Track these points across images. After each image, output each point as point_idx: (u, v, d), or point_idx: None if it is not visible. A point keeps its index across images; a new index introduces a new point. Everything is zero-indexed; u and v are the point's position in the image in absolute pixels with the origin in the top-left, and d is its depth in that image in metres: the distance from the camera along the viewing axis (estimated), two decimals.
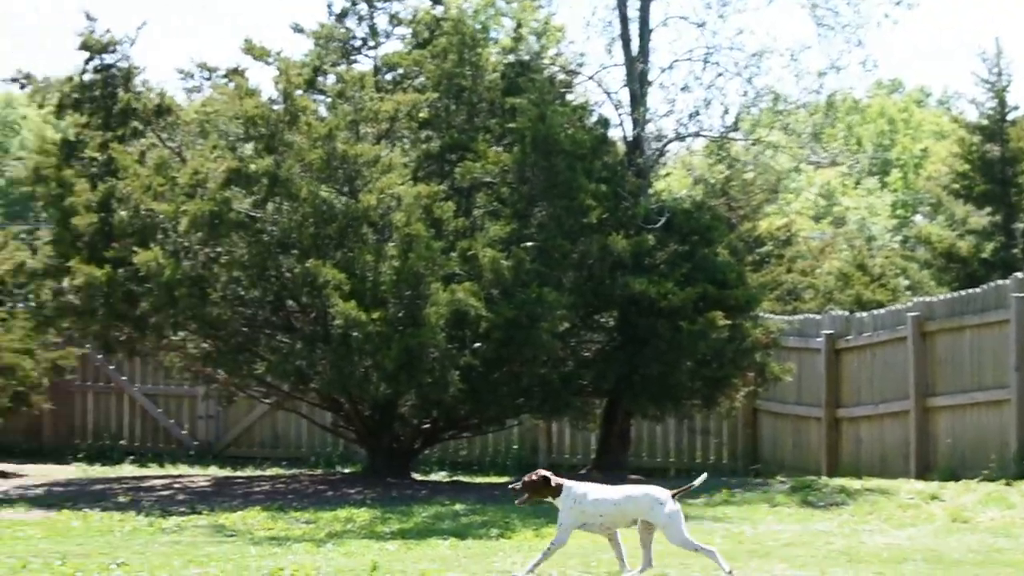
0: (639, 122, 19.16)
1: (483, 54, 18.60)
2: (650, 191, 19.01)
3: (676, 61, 19.58)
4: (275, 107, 17.93)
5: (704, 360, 17.99)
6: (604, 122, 19.25)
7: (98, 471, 20.49)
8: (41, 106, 20.67)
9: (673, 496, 9.67)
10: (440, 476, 20.04)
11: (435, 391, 16.63)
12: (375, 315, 16.10)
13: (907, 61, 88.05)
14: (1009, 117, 25.64)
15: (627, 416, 19.29)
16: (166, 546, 12.15)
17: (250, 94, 18.16)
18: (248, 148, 18.04)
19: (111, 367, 23.03)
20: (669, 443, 21.57)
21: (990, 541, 12.24)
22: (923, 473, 17.64)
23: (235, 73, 19.30)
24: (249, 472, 20.26)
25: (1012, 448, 16.61)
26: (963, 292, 18.66)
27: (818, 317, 20.86)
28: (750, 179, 24.09)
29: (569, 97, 19.28)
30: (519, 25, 19.22)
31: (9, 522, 14.21)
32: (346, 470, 19.89)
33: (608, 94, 19.55)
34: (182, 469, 20.96)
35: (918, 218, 41.99)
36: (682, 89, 19.57)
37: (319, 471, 19.52)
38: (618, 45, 19.32)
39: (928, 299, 19.14)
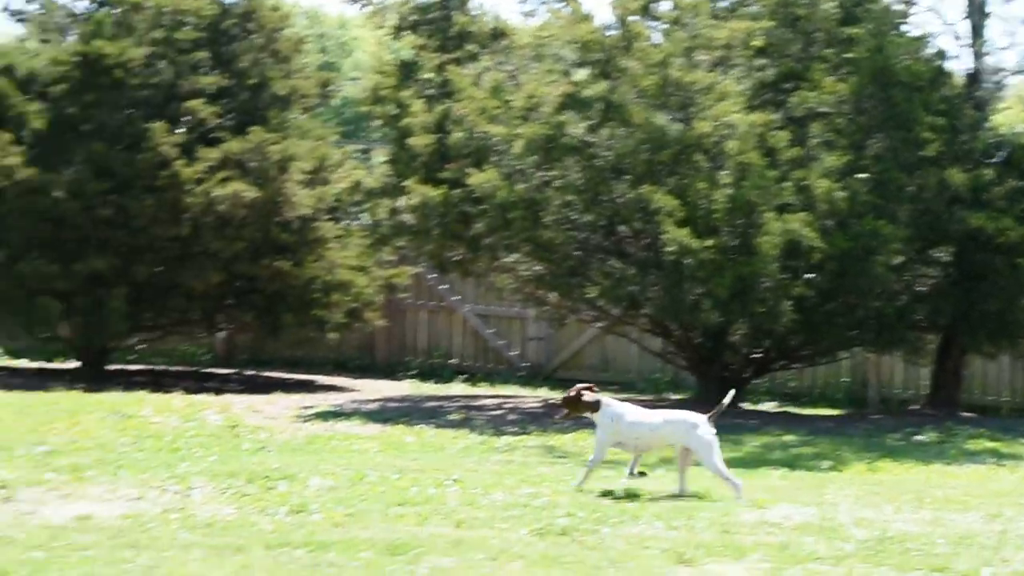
0: (978, 55, 18.86)
1: None
2: (988, 125, 18.73)
3: None
4: (610, 33, 18.31)
5: None
6: (941, 54, 18.98)
7: (429, 388, 21.33)
8: (379, 28, 21.62)
9: (708, 419, 10.06)
10: (768, 406, 20.26)
11: (767, 320, 16.91)
12: (707, 243, 16.43)
13: None
14: None
15: (961, 353, 19.16)
16: (498, 465, 12.59)
17: (585, 19, 18.59)
18: (582, 73, 18.48)
19: (443, 287, 23.84)
20: (1003, 381, 21.25)
21: None
22: None
23: None
24: None
25: None
26: None
27: None
28: None
29: (905, 28, 19.04)
30: None
31: (345, 435, 15.04)
32: (675, 397, 20.29)
33: (947, 25, 19.26)
34: (512, 389, 21.56)
35: None
36: (1022, 22, 19.16)
37: (648, 396, 19.99)
38: None
39: None
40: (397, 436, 15.09)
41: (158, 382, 19.87)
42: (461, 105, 18.53)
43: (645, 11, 19.02)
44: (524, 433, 15.70)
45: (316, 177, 21.13)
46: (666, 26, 18.74)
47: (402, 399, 19.39)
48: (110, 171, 20.18)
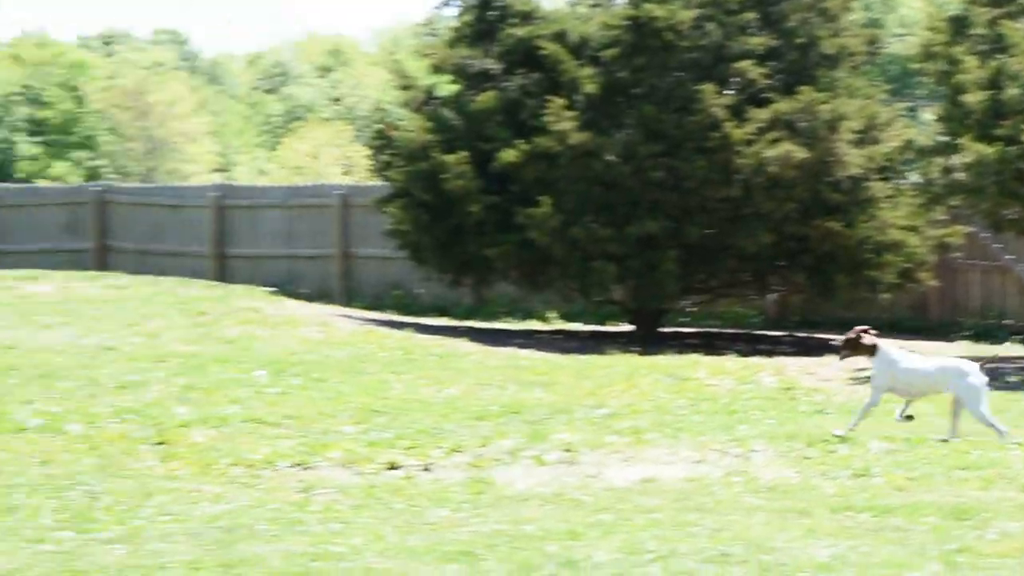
0: None
1: None
2: None
3: None
4: None
5: None
6: None
7: (983, 349, 21.08)
8: None
9: (981, 367, 10.34)
10: None
11: None
12: None
13: None
14: None
15: None
16: None
17: None
18: None
19: (998, 245, 23.42)
20: None
21: None
22: None
23: None
24: None
25: None
26: None
27: None
28: None
29: None
30: None
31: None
32: None
33: None
34: None
35: None
36: None
37: None
38: None
39: None
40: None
41: (710, 344, 20.57)
42: (1016, 60, 18.17)
43: None
44: None
45: (866, 136, 21.29)
46: None
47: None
48: (661, 134, 21.02)
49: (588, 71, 21.63)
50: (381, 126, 24.76)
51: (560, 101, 21.13)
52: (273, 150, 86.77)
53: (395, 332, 19.94)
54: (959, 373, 10.60)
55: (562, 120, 20.95)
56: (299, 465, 10.41)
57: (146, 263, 27.73)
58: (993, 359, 10.75)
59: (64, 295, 21.80)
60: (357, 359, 16.83)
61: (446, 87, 24.12)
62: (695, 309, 24.07)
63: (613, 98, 21.62)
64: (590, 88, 21.53)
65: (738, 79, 21.36)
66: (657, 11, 21.20)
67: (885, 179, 21.68)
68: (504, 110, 21.89)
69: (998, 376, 16.89)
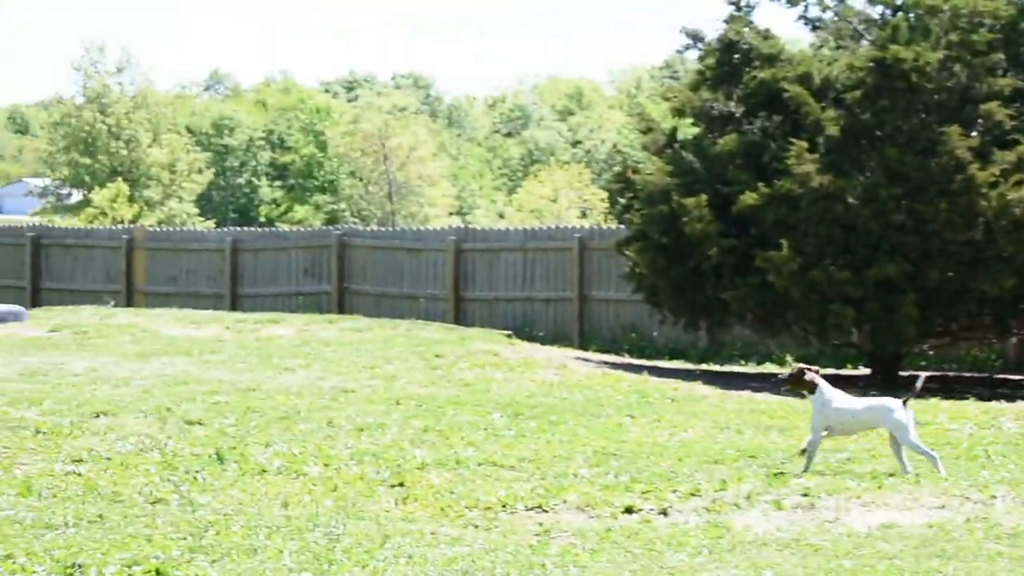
0: None
1: None
2: None
3: None
4: None
5: None
6: None
7: None
8: None
9: (903, 404, 11.37)
10: None
11: None
12: None
13: None
14: None
15: None
16: None
17: None
18: None
19: None
20: None
21: None
22: None
23: None
24: None
25: None
26: None
27: None
28: None
29: None
30: None
31: None
32: None
33: None
34: None
35: None
36: None
37: None
38: None
39: None
40: None
41: (949, 388, 20.22)
42: None
43: None
44: None
45: None
46: None
47: None
48: (903, 176, 20.82)
49: (831, 113, 21.56)
50: (621, 169, 25.06)
51: (802, 144, 21.10)
52: (511, 193, 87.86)
53: (630, 375, 20.08)
54: (887, 411, 11.55)
55: (804, 163, 20.91)
56: (536, 508, 10.61)
57: (383, 305, 28.45)
58: (912, 394, 11.64)
59: (303, 338, 22.48)
60: (593, 402, 17.01)
61: (687, 130, 24.29)
62: (933, 352, 23.72)
63: (855, 140, 21.52)
64: (832, 130, 21.44)
65: (983, 120, 21.04)
66: (904, 53, 21.01)
67: None
68: (745, 153, 21.96)
69: None
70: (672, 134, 23.75)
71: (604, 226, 31.31)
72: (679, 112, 23.62)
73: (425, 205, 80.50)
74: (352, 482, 11.33)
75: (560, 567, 8.63)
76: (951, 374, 23.05)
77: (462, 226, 36.13)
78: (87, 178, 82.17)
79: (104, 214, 63.55)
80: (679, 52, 26.62)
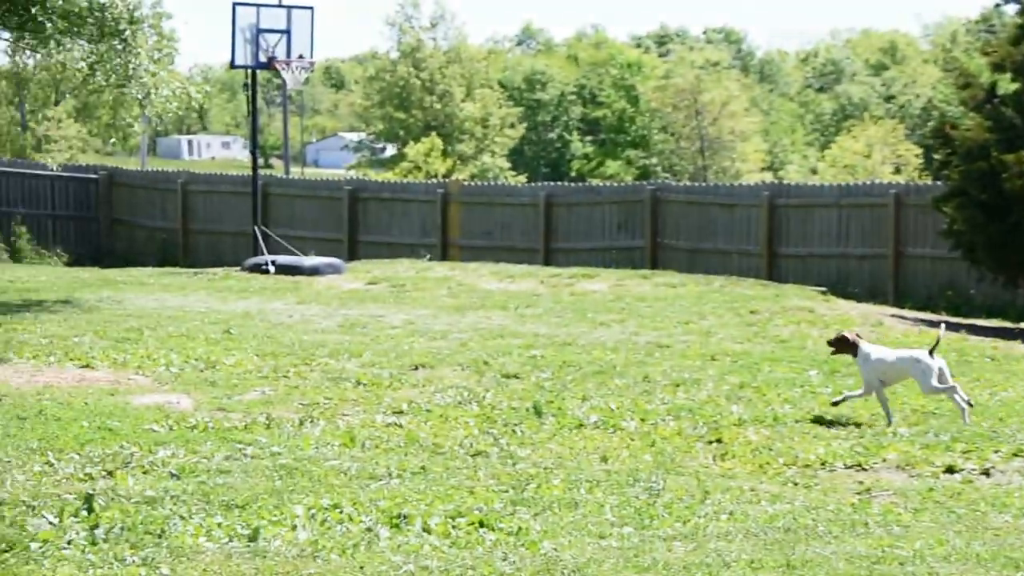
0: None
1: None
2: None
3: None
4: None
5: None
6: None
7: None
8: None
9: (930, 353, 12.31)
10: None
11: None
12: None
13: None
14: None
15: None
16: None
17: None
18: None
19: None
20: None
21: None
22: None
23: None
24: None
25: None
26: None
27: None
28: None
29: None
30: None
31: None
32: None
33: None
34: None
35: None
36: None
37: None
38: None
39: None
40: None
41: None
42: None
43: None
44: None
45: None
46: None
47: None
48: None
49: None
50: (938, 125, 24.49)
51: None
52: (824, 149, 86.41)
53: (948, 334, 19.52)
54: (913, 360, 12.44)
55: None
56: (855, 466, 10.41)
57: (696, 261, 28.32)
58: (936, 344, 12.51)
59: (617, 293, 22.53)
60: None
61: (1006, 85, 23.52)
62: None
63: None
64: None
65: None
66: None
67: None
68: None
69: None
70: (991, 89, 23.05)
71: (919, 182, 30.51)
72: (998, 67, 23.00)
73: (736, 160, 79.80)
74: (669, 437, 11.31)
75: (883, 526, 8.47)
76: None
77: (775, 181, 35.70)
78: (401, 132, 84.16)
79: (418, 168, 64.98)
80: (997, 6, 25.78)
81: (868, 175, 60.26)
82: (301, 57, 27.10)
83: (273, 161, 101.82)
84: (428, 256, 29.28)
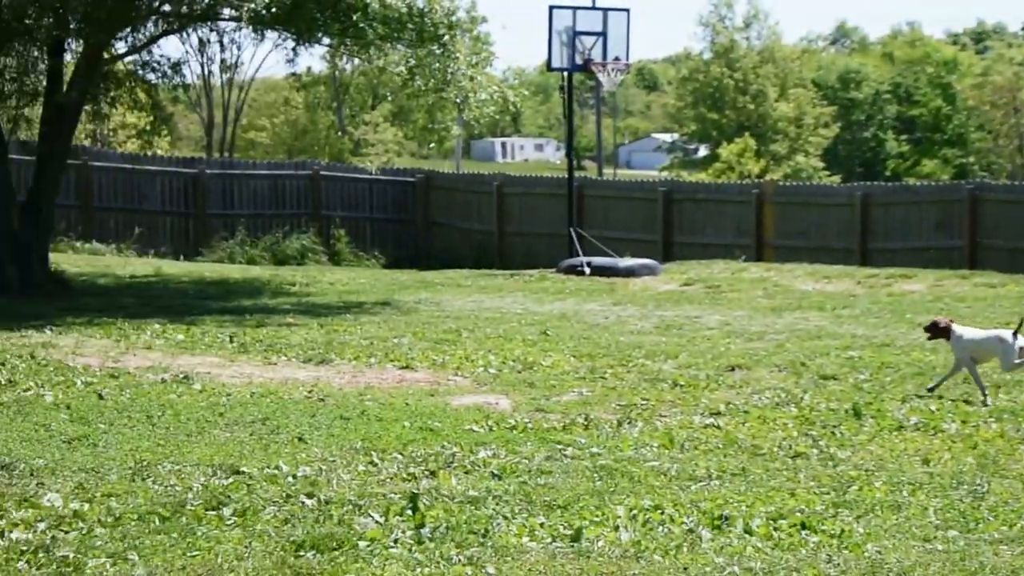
0: None
1: None
2: None
3: None
4: None
5: None
6: None
7: None
8: None
9: (1014, 334, 12.85)
10: None
11: None
12: None
13: None
14: None
15: None
16: None
17: None
18: None
19: None
20: None
21: None
22: None
23: None
24: None
25: None
26: None
27: None
28: None
29: None
30: None
31: None
32: None
33: None
34: None
35: None
36: None
37: None
38: None
39: None
40: None
41: None
42: None
43: None
44: None
45: None
46: None
47: None
48: None
49: None
50: None
51: None
52: None
53: None
54: (997, 340, 13.02)
55: None
56: None
57: (1017, 261, 27.35)
58: (1021, 325, 13.01)
59: (936, 293, 21.97)
60: None
61: None
62: None
63: None
64: None
65: None
66: None
67: None
68: None
69: None
70: None
71: None
72: None
73: None
74: (992, 439, 10.95)
75: None
76: None
77: None
78: (714, 133, 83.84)
79: (731, 169, 64.64)
80: None
81: None
82: (617, 59, 27.26)
83: (586, 163, 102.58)
84: (743, 257, 29.08)
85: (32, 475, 9.04)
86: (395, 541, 7.67)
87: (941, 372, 13.89)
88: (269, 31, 22.37)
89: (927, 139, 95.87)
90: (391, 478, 9.24)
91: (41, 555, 7.31)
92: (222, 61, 60.64)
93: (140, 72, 23.81)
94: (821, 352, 15.39)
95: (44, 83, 22.65)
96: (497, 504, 8.48)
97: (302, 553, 7.43)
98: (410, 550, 7.53)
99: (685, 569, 7.31)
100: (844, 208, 30.77)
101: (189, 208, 35.33)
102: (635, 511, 8.35)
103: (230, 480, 8.97)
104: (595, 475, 9.33)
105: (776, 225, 31.53)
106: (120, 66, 23.81)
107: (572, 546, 7.66)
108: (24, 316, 17.90)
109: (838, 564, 7.42)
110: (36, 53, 22.65)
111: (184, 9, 22.62)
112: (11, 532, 7.71)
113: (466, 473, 9.38)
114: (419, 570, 7.22)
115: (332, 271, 30.07)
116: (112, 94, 23.59)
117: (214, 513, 8.14)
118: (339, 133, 69.13)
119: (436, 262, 34.32)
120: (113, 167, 34.55)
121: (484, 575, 7.19)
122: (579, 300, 21.54)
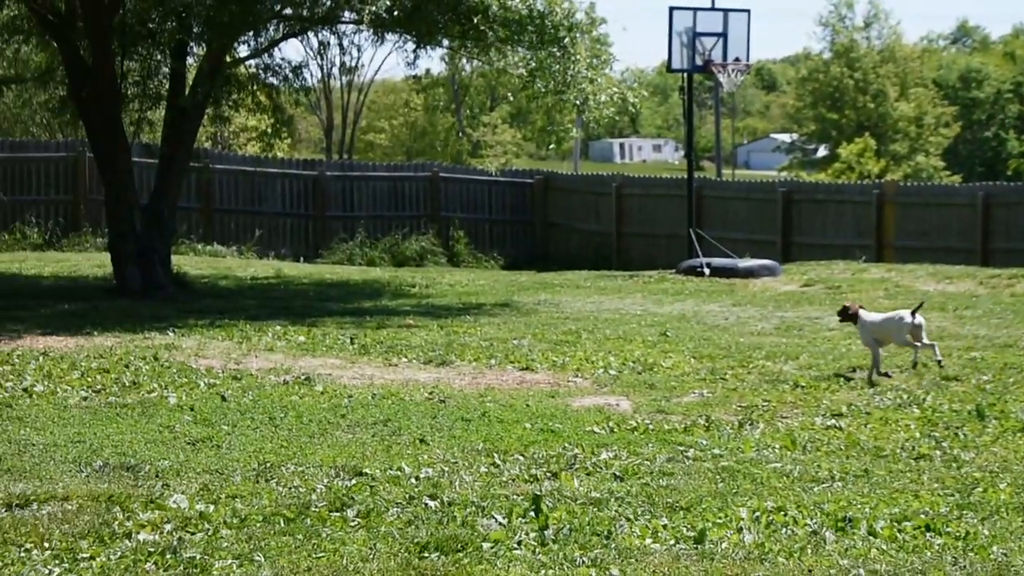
0: None
1: None
2: None
3: None
4: None
5: None
6: None
7: None
8: None
9: (912, 313, 13.89)
10: None
11: None
12: None
13: None
14: None
15: None
16: None
17: None
18: None
19: None
20: None
21: None
22: None
23: None
24: None
25: None
26: None
27: None
28: None
29: None
30: None
31: None
32: None
33: None
34: None
35: None
36: None
37: None
38: None
39: None
40: None
41: None
42: None
43: None
44: None
45: None
46: None
47: None
48: None
49: None
50: None
51: None
52: None
53: None
54: (894, 320, 13.91)
55: None
56: None
57: None
58: (920, 306, 14.17)
59: None
60: None
61: None
62: None
63: None
64: None
65: None
66: None
67: None
68: None
69: None
70: None
71: None
72: None
73: None
74: None
75: None
76: None
77: None
78: (833, 133, 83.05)
79: (851, 169, 63.99)
80: None
81: None
82: (737, 60, 27.11)
83: (704, 163, 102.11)
84: (863, 258, 28.77)
85: (157, 476, 9.18)
86: (519, 543, 7.68)
87: None
88: (389, 33, 22.51)
89: None
90: (513, 480, 9.26)
91: (168, 556, 7.41)
92: (342, 63, 61.25)
93: (262, 75, 24.06)
94: (943, 353, 15.18)
95: (167, 86, 22.98)
96: (620, 506, 8.47)
97: (426, 555, 7.47)
98: (534, 552, 7.54)
99: (810, 571, 7.26)
100: (966, 208, 30.34)
101: (309, 210, 35.69)
102: (758, 513, 8.30)
103: (353, 481, 9.04)
104: (717, 476, 9.29)
105: (896, 225, 31.17)
106: (242, 69, 24.09)
107: (696, 548, 7.63)
108: (147, 318, 18.17)
109: (964, 567, 7.34)
110: (159, 57, 22.98)
111: (305, 12, 22.83)
112: (138, 533, 7.83)
113: (588, 475, 9.38)
114: (543, 572, 7.23)
115: (451, 272, 30.19)
116: (234, 97, 23.87)
117: (338, 514, 8.22)
118: (458, 135, 69.43)
119: (554, 263, 34.35)
120: (234, 169, 35.01)
121: None
122: (699, 301, 21.44)
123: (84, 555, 7.45)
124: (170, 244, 23.07)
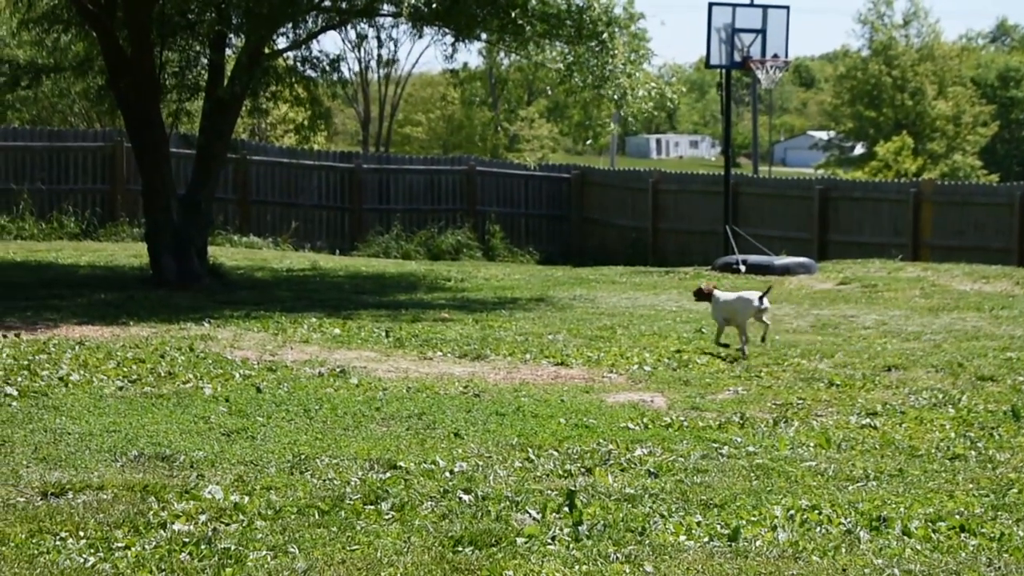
0: None
1: None
2: None
3: None
4: None
5: None
6: None
7: None
8: None
9: (760, 297, 14.94)
10: None
11: None
12: None
13: None
14: None
15: None
16: None
17: None
18: None
19: None
20: None
21: None
22: None
23: None
24: None
25: None
26: None
27: None
28: None
29: None
30: None
31: None
32: None
33: None
34: None
35: None
36: None
37: None
38: None
39: None
40: None
41: None
42: None
43: None
44: None
45: None
46: None
47: None
48: None
49: None
50: None
51: None
52: None
53: None
54: (741, 300, 14.93)
55: None
56: None
57: None
58: (767, 292, 15.25)
59: None
60: None
61: None
62: None
63: None
64: None
65: None
66: None
67: None
68: None
69: None
70: None
71: None
72: None
73: None
74: None
75: None
76: None
77: None
78: (871, 131, 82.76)
79: (888, 167, 63.75)
80: None
81: None
82: (776, 57, 27.05)
83: (741, 160, 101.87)
84: (900, 256, 28.66)
85: (192, 467, 9.21)
86: (553, 538, 7.69)
87: None
88: (427, 27, 22.55)
89: None
90: (547, 475, 9.26)
91: (203, 547, 7.44)
92: (379, 56, 61.33)
93: (300, 68, 24.11)
94: (979, 353, 15.12)
95: (205, 77, 23.06)
96: (654, 502, 8.47)
97: (460, 549, 7.48)
98: (568, 547, 7.54)
99: (844, 570, 7.25)
100: (1003, 208, 30.16)
101: (345, 202, 35.77)
102: (792, 511, 8.28)
103: (387, 475, 9.06)
104: (751, 474, 9.27)
105: (933, 224, 31.01)
106: (280, 61, 24.15)
107: (730, 545, 7.62)
108: (183, 309, 18.23)
109: (999, 568, 7.31)
110: (198, 48, 23.06)
111: (344, 4, 22.88)
112: (173, 524, 7.86)
113: (622, 471, 9.38)
114: (577, 567, 7.23)
115: (487, 266, 30.21)
116: (272, 89, 23.93)
117: (372, 507, 8.24)
118: (495, 129, 69.46)
119: (590, 258, 34.34)
120: (271, 161, 35.10)
121: (642, 573, 7.19)
122: None
123: (119, 544, 7.49)
124: (207, 235, 23.14)
